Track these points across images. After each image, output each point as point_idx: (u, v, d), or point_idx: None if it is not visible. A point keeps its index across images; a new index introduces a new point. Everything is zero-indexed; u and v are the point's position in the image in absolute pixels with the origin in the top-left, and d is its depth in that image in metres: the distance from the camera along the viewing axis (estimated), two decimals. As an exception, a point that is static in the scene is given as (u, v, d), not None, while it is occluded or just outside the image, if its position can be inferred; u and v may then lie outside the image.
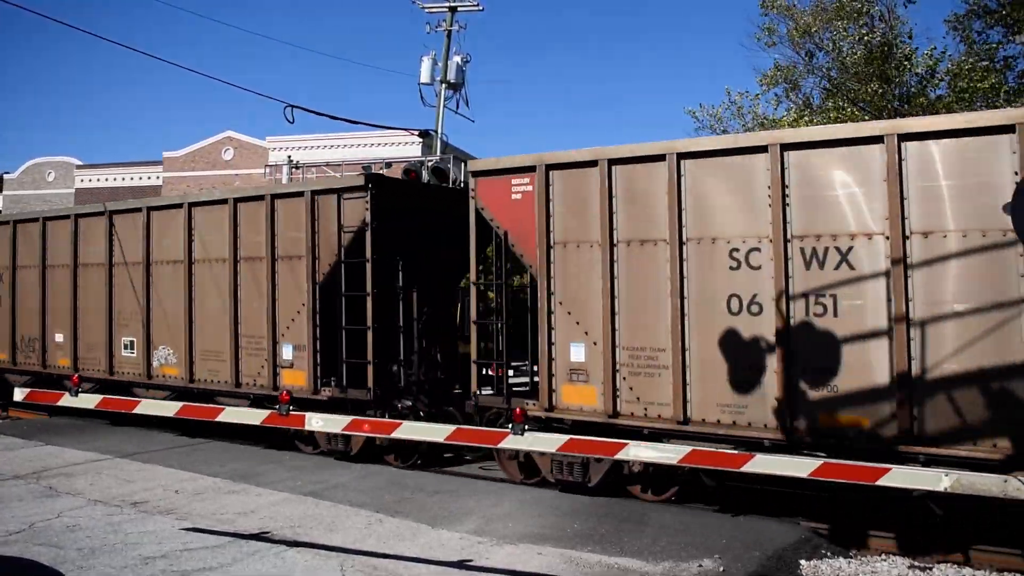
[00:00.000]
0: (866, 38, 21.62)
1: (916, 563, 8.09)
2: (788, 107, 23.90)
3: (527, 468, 11.12)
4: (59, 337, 16.57)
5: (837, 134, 9.01)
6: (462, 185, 15.20)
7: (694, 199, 9.64)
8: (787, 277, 9.00)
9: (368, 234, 12.17)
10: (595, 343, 10.25)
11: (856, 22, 21.91)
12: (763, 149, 9.23)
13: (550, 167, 10.70)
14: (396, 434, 7.41)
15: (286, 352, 12.98)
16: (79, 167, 52.37)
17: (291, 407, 7.61)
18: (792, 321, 8.96)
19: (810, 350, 8.83)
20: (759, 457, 6.39)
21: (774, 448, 8.76)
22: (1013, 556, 8.09)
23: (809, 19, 22.89)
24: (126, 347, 15.28)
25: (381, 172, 17.01)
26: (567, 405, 10.49)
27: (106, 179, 50.48)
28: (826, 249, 8.83)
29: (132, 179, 49.36)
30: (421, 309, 13.13)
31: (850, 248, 8.71)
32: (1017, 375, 7.84)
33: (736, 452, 6.81)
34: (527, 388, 11.56)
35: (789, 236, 9.03)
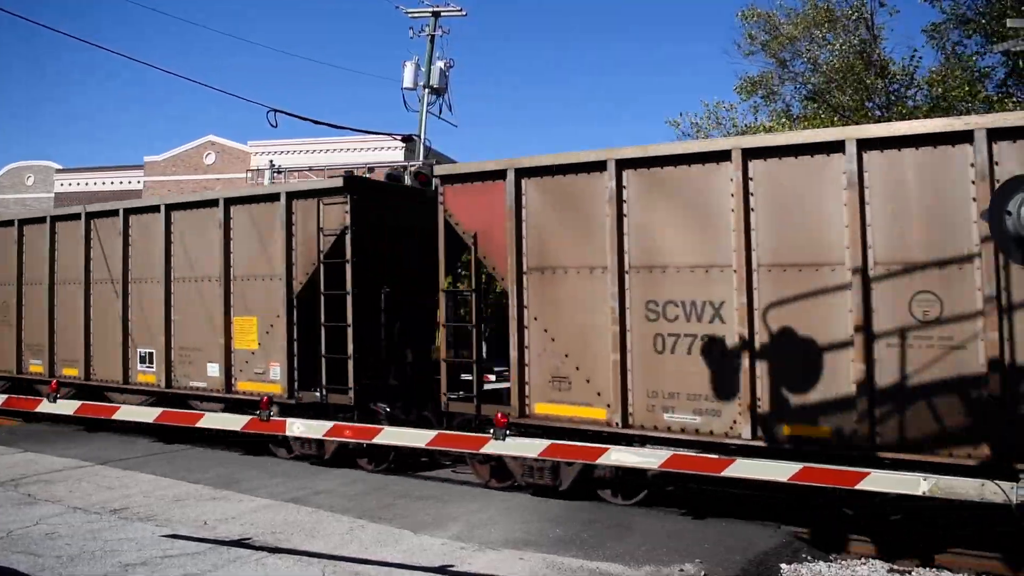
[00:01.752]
0: (845, 45, 21.80)
1: (895, 567, 8.14)
2: (767, 114, 24.08)
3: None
4: None
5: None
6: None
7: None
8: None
9: None
10: None
11: (835, 29, 22.10)
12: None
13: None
14: (377, 440, 7.41)
15: None
16: (59, 171, 52.01)
17: (271, 412, 7.59)
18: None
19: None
20: (740, 462, 6.43)
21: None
22: (991, 559, 8.15)
23: (790, 28, 23.08)
24: None
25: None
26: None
27: (86, 183, 50.17)
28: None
29: (113, 183, 49.04)
30: None
31: None
32: None
33: (716, 457, 6.84)
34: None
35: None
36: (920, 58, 22.01)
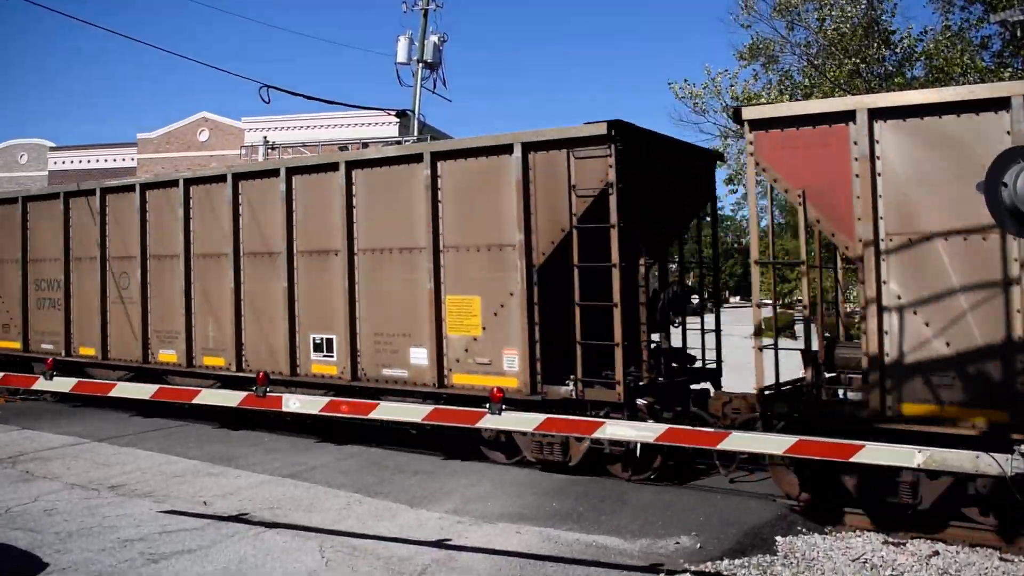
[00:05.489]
0: (848, 15, 21.66)
1: (890, 539, 8.19)
2: (765, 83, 23.93)
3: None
4: None
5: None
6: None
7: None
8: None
9: None
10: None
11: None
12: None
13: None
14: (373, 414, 7.41)
15: None
16: (52, 149, 51.75)
17: (268, 388, 7.58)
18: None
19: None
20: (735, 435, 6.45)
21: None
22: (984, 531, 8.19)
23: None
24: None
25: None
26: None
27: (79, 161, 49.94)
28: None
29: (106, 161, 48.80)
30: None
31: None
32: None
33: (712, 431, 6.86)
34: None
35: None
36: (927, 32, 21.88)
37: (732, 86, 24.45)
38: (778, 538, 8.13)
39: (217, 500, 9.47)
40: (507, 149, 10.62)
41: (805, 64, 23.57)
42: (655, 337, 11.57)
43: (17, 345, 17.11)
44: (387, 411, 7.70)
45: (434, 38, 28.16)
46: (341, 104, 28.75)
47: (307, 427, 13.54)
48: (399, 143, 22.19)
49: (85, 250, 15.96)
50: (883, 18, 22.05)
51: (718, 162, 13.68)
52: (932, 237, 7.88)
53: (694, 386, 11.46)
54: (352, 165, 12.19)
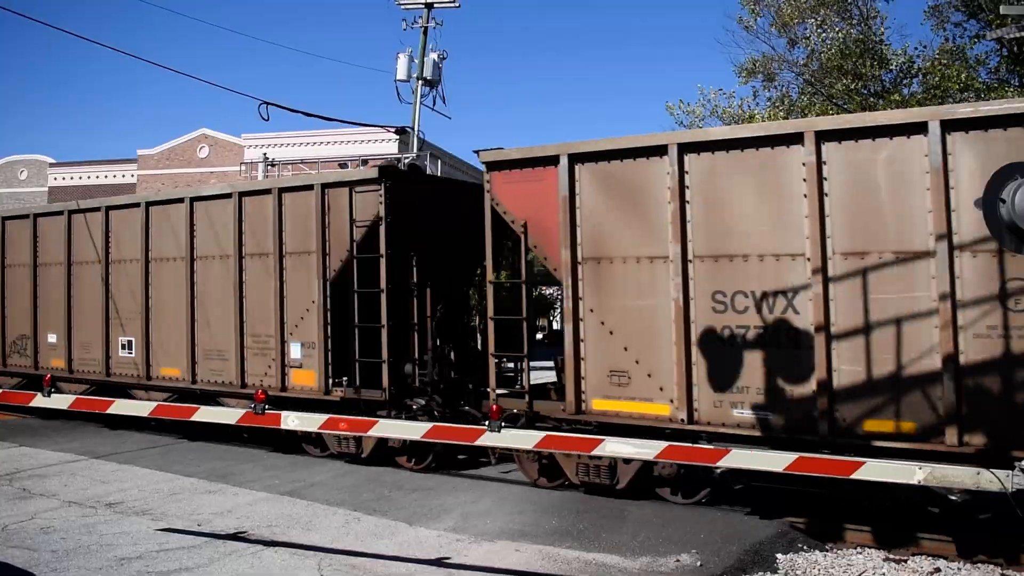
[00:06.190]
0: (841, 34, 21.75)
1: (891, 556, 8.16)
2: (766, 99, 24.00)
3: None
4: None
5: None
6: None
7: None
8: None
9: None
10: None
11: (834, 15, 22.04)
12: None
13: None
14: (372, 432, 7.39)
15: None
16: (52, 165, 51.78)
17: (267, 406, 7.55)
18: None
19: None
20: (735, 452, 6.42)
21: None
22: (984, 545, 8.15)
23: (789, 11, 22.98)
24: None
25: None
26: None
27: (79, 177, 49.95)
28: None
29: (106, 177, 48.84)
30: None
31: None
32: None
33: (713, 447, 6.83)
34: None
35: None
36: (925, 48, 21.98)
37: (729, 106, 24.50)
38: (779, 555, 8.09)
39: (215, 518, 9.42)
40: None
41: (803, 83, 23.67)
42: None
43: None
44: (385, 428, 7.68)
45: (434, 55, 28.22)
46: (340, 121, 28.76)
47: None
48: (399, 159, 21.86)
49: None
50: (877, 37, 22.15)
51: None
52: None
53: None
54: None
